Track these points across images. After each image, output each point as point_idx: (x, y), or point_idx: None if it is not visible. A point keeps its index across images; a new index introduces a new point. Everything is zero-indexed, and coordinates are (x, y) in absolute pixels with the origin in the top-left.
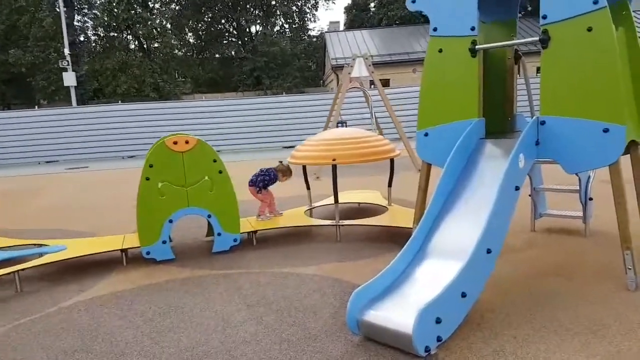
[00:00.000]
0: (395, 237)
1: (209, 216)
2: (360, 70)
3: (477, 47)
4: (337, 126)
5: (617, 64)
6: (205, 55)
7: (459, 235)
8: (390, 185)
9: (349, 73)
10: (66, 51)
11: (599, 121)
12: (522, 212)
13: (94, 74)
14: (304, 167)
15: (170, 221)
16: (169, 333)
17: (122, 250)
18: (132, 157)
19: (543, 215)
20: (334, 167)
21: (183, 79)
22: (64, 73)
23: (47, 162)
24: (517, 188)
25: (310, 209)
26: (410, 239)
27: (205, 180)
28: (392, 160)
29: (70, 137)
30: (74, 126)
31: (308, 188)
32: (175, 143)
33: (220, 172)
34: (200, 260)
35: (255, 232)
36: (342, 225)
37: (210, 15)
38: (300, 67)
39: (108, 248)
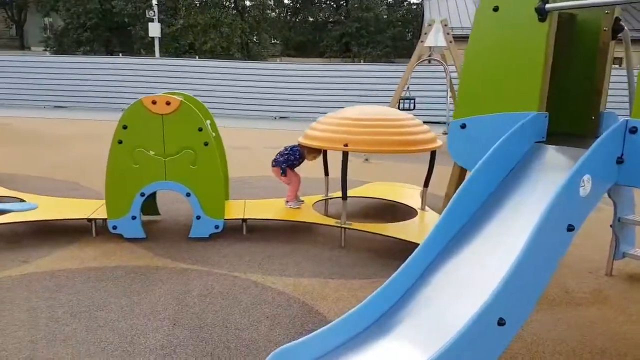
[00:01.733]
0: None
1: (188, 194)
2: (436, 38)
3: (547, 6)
4: (400, 103)
5: None
6: (299, 17)
7: (461, 295)
8: (426, 185)
9: (422, 41)
10: (153, 1)
11: None
12: (597, 245)
13: (189, 29)
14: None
15: (142, 194)
16: (59, 345)
17: (90, 220)
18: None
19: (627, 256)
20: (345, 155)
21: (273, 42)
22: (149, 24)
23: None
24: (570, 228)
25: (325, 199)
26: (385, 284)
27: (187, 152)
28: (432, 154)
29: (144, 88)
30: (151, 77)
31: (326, 174)
32: (154, 103)
33: (206, 144)
34: (169, 246)
35: (245, 220)
36: (348, 228)
37: None
38: (394, 35)
39: (76, 215)
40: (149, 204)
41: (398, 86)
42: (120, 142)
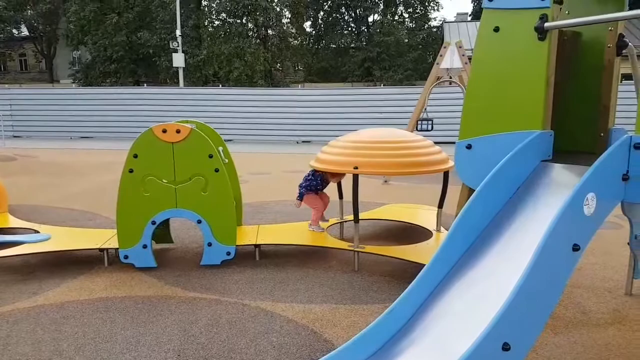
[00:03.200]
0: None
1: (199, 221)
2: (452, 60)
3: (546, 25)
4: (418, 125)
5: None
6: (321, 44)
7: (468, 320)
8: (441, 205)
9: (438, 63)
10: (177, 32)
11: None
12: (617, 264)
13: (213, 58)
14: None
15: (154, 223)
16: None
17: (102, 250)
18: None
19: None
20: (356, 177)
21: (296, 68)
22: (173, 54)
23: None
24: (576, 248)
25: (340, 222)
26: (388, 310)
27: (198, 179)
28: (446, 174)
29: (167, 117)
30: (175, 106)
31: (340, 197)
32: (164, 131)
33: (217, 170)
34: (180, 274)
35: (258, 245)
36: (361, 251)
37: (329, 3)
38: (415, 59)
39: (88, 245)
40: (162, 232)
41: (415, 108)
42: (131, 171)
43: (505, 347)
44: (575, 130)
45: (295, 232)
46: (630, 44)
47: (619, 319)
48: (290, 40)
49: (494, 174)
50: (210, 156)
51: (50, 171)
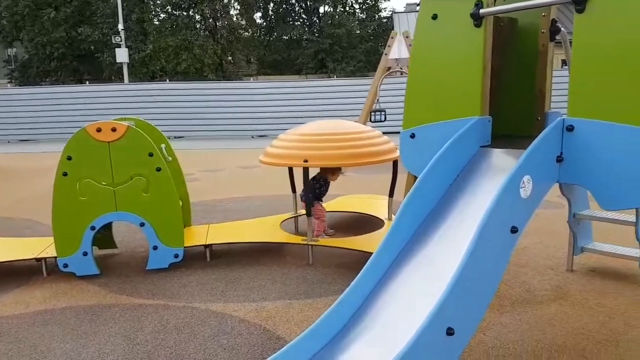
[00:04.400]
0: None
1: (142, 224)
2: (400, 50)
3: (481, 11)
4: (371, 116)
5: None
6: (272, 36)
7: (415, 305)
8: (391, 194)
9: (386, 54)
10: (119, 26)
11: None
12: (559, 242)
13: (160, 52)
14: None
15: (93, 228)
16: None
17: (39, 260)
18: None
19: (585, 251)
20: (306, 171)
21: (248, 61)
22: (116, 49)
23: None
24: (514, 229)
25: (295, 216)
26: (338, 302)
27: (138, 179)
28: (395, 163)
29: (112, 115)
30: (120, 103)
31: (293, 191)
32: (98, 130)
33: (159, 169)
34: (124, 281)
35: (208, 246)
36: (314, 245)
37: None
38: (368, 50)
39: (24, 255)
40: (104, 237)
41: (367, 99)
42: (65, 174)
43: (450, 332)
44: (514, 115)
45: (247, 230)
46: (562, 29)
47: (561, 295)
48: (241, 32)
49: (434, 162)
50: (151, 154)
51: None
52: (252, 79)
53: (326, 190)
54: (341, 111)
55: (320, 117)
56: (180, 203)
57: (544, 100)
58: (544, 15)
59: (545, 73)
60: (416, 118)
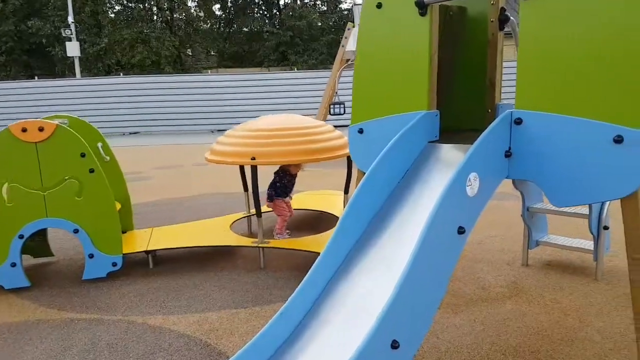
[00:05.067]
0: None
1: (76, 231)
2: (355, 42)
3: None
4: (330, 109)
5: None
6: (232, 28)
7: (359, 316)
8: (346, 191)
9: (343, 46)
10: (70, 19)
11: (607, 122)
12: (514, 235)
13: (115, 46)
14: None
15: (22, 237)
16: None
17: None
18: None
19: (540, 244)
20: (254, 169)
21: (208, 53)
22: (67, 43)
23: None
24: (461, 230)
25: (247, 216)
26: (275, 317)
27: (70, 182)
28: (349, 159)
29: (59, 111)
30: (70, 99)
31: (245, 189)
32: (24, 130)
33: (92, 170)
34: (58, 293)
35: (151, 252)
36: (265, 247)
37: None
38: (329, 42)
39: None
40: (39, 245)
41: (325, 92)
42: None
43: (394, 345)
44: (466, 108)
45: (194, 232)
46: (511, 17)
47: (516, 292)
48: (199, 24)
49: (380, 159)
50: (83, 155)
51: None
52: (209, 71)
53: (292, 185)
54: (303, 104)
55: (282, 111)
56: (119, 206)
57: (494, 92)
58: (492, 4)
59: (496, 63)
60: (364, 113)
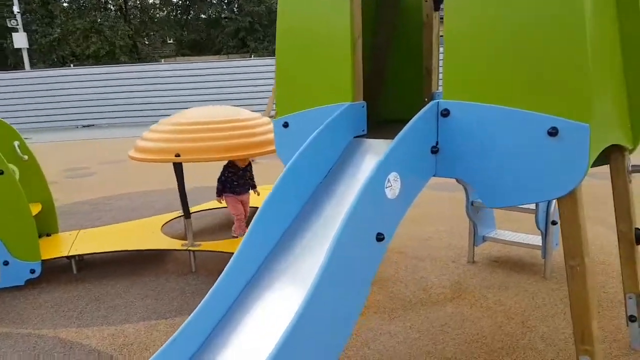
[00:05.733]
0: None
1: None
2: None
3: None
4: None
5: (584, 14)
6: (190, 15)
7: (265, 335)
8: None
9: None
10: (15, 9)
11: (542, 113)
12: (462, 229)
13: (68, 36)
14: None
15: None
16: None
17: None
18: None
19: (487, 240)
20: (179, 167)
21: (166, 42)
22: (13, 34)
23: None
24: (380, 237)
25: (179, 216)
26: (180, 329)
27: None
28: None
29: (18, 105)
30: (20, 92)
31: (183, 188)
32: None
33: (1, 172)
34: None
35: (72, 257)
36: (196, 250)
37: None
38: None
39: None
40: None
41: (275, 81)
42: None
43: None
44: (403, 98)
45: (123, 235)
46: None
47: (459, 292)
48: (155, 11)
49: (298, 156)
50: None
51: None
52: (162, 60)
53: (241, 179)
54: (263, 92)
55: (241, 99)
56: (39, 208)
57: (431, 79)
58: None
59: (432, 48)
60: (288, 105)
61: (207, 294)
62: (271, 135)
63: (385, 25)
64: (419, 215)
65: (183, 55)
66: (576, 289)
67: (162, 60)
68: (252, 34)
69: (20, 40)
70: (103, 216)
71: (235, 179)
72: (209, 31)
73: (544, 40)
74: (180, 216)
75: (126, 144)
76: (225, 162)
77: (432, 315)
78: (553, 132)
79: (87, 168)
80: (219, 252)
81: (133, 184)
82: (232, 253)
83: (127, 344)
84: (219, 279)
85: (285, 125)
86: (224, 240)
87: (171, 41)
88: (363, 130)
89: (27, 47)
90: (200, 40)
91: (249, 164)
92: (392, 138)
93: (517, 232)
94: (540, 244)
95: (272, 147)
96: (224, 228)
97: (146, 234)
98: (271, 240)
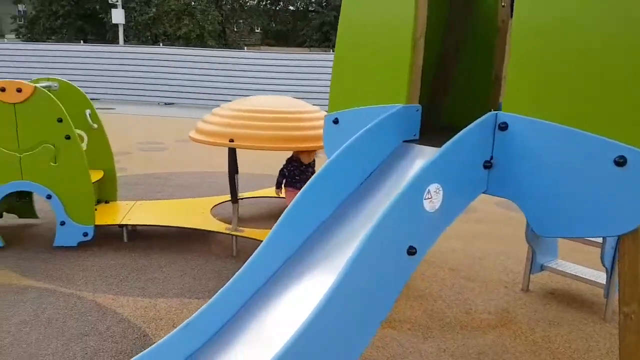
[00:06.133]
0: None
1: (49, 196)
2: None
3: None
4: None
5: None
6: (279, 6)
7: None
8: None
9: None
10: None
11: (609, 139)
12: (522, 253)
13: (163, 16)
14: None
15: None
16: None
17: None
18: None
19: (545, 269)
20: (232, 152)
21: (253, 30)
22: (112, 10)
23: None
24: (412, 251)
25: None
26: (195, 316)
27: (46, 147)
28: None
29: (106, 77)
30: (115, 65)
31: (235, 172)
32: (2, 90)
33: (68, 137)
34: (26, 257)
35: (124, 226)
36: (238, 235)
37: None
38: None
39: None
40: (25, 205)
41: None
42: None
43: None
44: (467, 104)
45: (173, 211)
46: None
47: (506, 321)
48: (246, 0)
49: (340, 153)
50: (60, 120)
51: None
52: (246, 48)
53: (304, 175)
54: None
55: (318, 93)
56: (100, 175)
57: (500, 88)
58: None
59: (504, 55)
60: (341, 101)
61: (229, 280)
62: (321, 131)
63: (456, 29)
64: (480, 232)
65: (268, 44)
66: (629, 340)
67: (245, 48)
68: (336, 29)
69: (118, 16)
70: (163, 190)
71: (298, 173)
72: (295, 23)
73: (625, 56)
74: (229, 200)
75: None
76: (289, 155)
77: (470, 341)
78: (621, 162)
79: (161, 143)
80: (260, 240)
81: (199, 163)
82: None
83: (157, 318)
84: (243, 266)
85: (336, 121)
86: (267, 229)
87: (258, 30)
88: (415, 135)
89: (124, 23)
90: (286, 31)
91: (314, 161)
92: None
93: (580, 265)
94: (604, 282)
95: (317, 143)
96: (269, 217)
97: (196, 213)
98: (302, 234)
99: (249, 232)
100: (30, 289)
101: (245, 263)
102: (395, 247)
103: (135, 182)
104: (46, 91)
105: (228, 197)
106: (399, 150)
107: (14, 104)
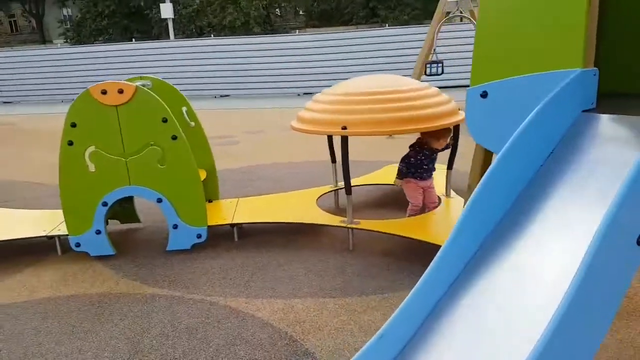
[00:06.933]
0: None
1: (159, 200)
2: None
3: None
4: (427, 68)
5: None
6: None
7: (495, 337)
8: (450, 166)
9: None
10: None
11: None
12: None
13: (207, 7)
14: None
15: (105, 204)
16: None
17: (50, 237)
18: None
19: None
20: (345, 140)
21: (297, 12)
22: (161, 5)
23: None
24: None
25: (335, 190)
26: (373, 340)
27: (152, 149)
28: (456, 129)
29: (159, 73)
30: (164, 61)
31: (333, 161)
32: (104, 92)
33: (175, 137)
34: (141, 263)
35: (235, 225)
36: (355, 228)
37: None
38: None
39: (34, 232)
40: (127, 210)
41: (422, 49)
42: (70, 143)
43: None
44: (625, 66)
45: (279, 206)
46: None
47: None
48: None
49: (516, 137)
50: (165, 120)
51: (23, 140)
52: (297, 31)
53: (431, 163)
54: (394, 63)
55: (371, 72)
56: (205, 175)
57: None
58: None
59: None
60: (490, 70)
61: (411, 291)
62: (444, 108)
63: None
64: None
65: (312, 26)
66: None
67: (296, 31)
68: (383, 3)
69: (167, 10)
70: (249, 185)
71: (427, 162)
72: (339, 1)
73: None
74: (332, 190)
75: (265, 115)
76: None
77: None
78: None
79: (232, 136)
80: (376, 231)
81: (276, 154)
82: (391, 234)
83: (300, 321)
84: (421, 279)
85: (484, 95)
86: (381, 219)
87: (302, 12)
88: (592, 104)
89: (173, 17)
90: (330, 10)
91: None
92: (631, 114)
93: None
94: None
95: (448, 120)
96: (374, 206)
97: (303, 207)
98: (480, 235)
99: (364, 223)
100: (158, 297)
101: (428, 269)
102: (627, 238)
103: (222, 178)
104: (149, 91)
105: (328, 187)
106: (579, 123)
107: (116, 106)
